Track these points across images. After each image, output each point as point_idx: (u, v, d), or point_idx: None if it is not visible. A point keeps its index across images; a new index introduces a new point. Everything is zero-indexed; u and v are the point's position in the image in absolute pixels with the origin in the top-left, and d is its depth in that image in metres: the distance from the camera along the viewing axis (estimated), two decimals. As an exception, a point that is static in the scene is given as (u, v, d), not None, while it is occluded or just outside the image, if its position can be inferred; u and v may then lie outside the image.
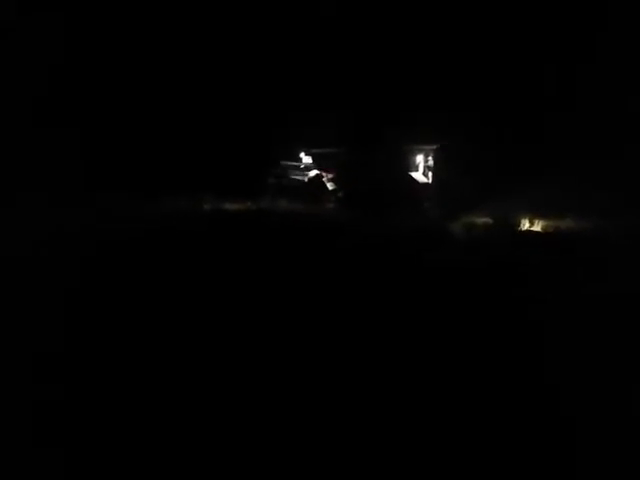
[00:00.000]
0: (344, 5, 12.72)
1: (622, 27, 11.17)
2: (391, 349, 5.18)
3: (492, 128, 11.93)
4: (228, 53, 13.42)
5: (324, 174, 13.32)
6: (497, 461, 3.59)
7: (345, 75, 12.63)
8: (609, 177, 10.64)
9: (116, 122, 13.12)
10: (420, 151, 13.11)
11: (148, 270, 7.36)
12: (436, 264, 7.79)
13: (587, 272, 7.11)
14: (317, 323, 5.73)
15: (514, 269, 7.54)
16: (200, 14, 13.56)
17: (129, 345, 5.17)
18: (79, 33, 13.26)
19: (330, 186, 13.22)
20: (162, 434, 3.80)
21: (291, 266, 7.66)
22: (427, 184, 12.87)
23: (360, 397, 4.32)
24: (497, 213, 10.84)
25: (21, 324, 5.31)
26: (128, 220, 10.34)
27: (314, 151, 13.50)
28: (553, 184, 10.69)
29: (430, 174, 12.94)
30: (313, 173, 13.39)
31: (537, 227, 10.76)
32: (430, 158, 13.02)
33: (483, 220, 10.96)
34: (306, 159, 13.60)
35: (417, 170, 13.10)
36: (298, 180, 13.38)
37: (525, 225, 10.79)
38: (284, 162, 13.46)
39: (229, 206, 12.14)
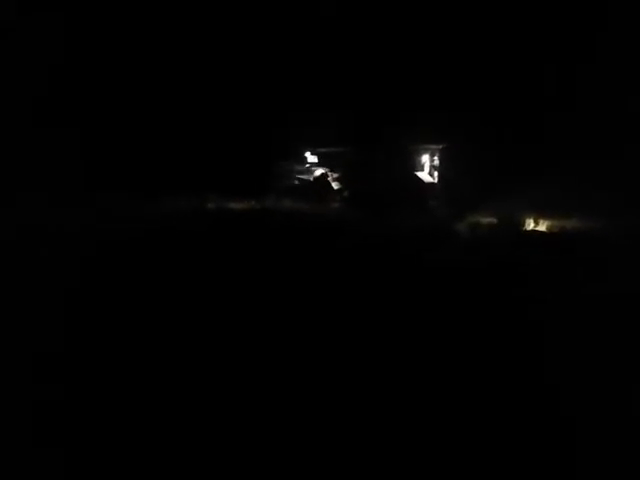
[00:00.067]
0: (348, 5, 12.72)
1: (622, 27, 11.20)
2: (391, 348, 5.14)
3: (497, 128, 11.92)
4: (233, 53, 13.39)
5: (329, 173, 13.30)
6: (497, 460, 3.56)
7: (351, 75, 12.64)
8: (612, 177, 10.65)
9: (116, 122, 13.08)
10: (426, 151, 13.10)
11: (149, 270, 7.30)
12: (440, 264, 7.74)
13: (591, 272, 7.07)
14: (320, 321, 5.68)
15: (517, 269, 7.49)
16: (203, 14, 13.54)
17: (129, 345, 5.10)
18: (79, 33, 13.23)
19: (335, 185, 13.17)
20: (162, 434, 3.73)
21: (295, 266, 7.58)
22: (433, 184, 12.85)
23: (360, 395, 4.26)
24: (502, 213, 10.81)
25: (21, 324, 5.24)
26: (128, 220, 10.27)
27: (320, 150, 13.47)
28: (558, 184, 10.67)
29: (436, 174, 12.93)
30: (318, 172, 13.35)
31: (542, 227, 10.71)
32: (436, 158, 13.02)
33: (488, 220, 10.90)
34: (311, 158, 13.56)
35: (423, 170, 13.09)
36: (303, 179, 13.34)
37: (530, 225, 10.73)
38: (289, 161, 13.44)
39: (233, 205, 12.05)
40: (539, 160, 11.37)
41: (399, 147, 12.87)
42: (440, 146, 12.90)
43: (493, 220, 10.88)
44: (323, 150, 13.43)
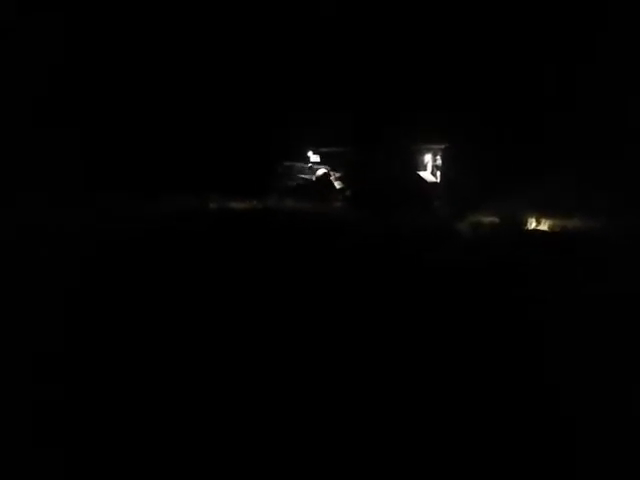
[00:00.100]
0: (353, 6, 12.73)
1: (622, 27, 11.21)
2: (392, 347, 5.11)
3: (499, 128, 11.93)
4: (235, 53, 13.37)
5: (332, 173, 13.28)
6: (497, 460, 3.51)
7: (354, 75, 12.64)
8: (613, 177, 10.67)
9: (117, 122, 13.06)
10: (428, 150, 13.11)
11: (150, 270, 7.25)
12: (442, 264, 7.71)
13: (592, 272, 7.04)
14: (321, 321, 5.65)
15: (518, 269, 7.46)
16: (205, 15, 13.53)
17: (130, 345, 5.06)
18: (79, 33, 13.22)
19: (338, 185, 13.16)
20: (162, 434, 3.69)
21: (296, 265, 7.54)
22: (435, 183, 12.84)
23: (361, 396, 4.22)
24: (504, 212, 10.79)
25: (22, 324, 5.20)
26: (128, 220, 10.23)
27: (322, 150, 13.47)
28: (559, 184, 10.69)
29: (438, 173, 12.92)
30: (321, 172, 13.33)
31: (544, 226, 10.71)
32: (438, 157, 13.02)
33: (490, 219, 10.88)
34: (314, 158, 13.54)
35: (425, 169, 13.09)
36: (306, 179, 13.32)
37: (532, 224, 10.72)
38: (292, 161, 13.42)
39: (235, 205, 12.01)
40: (541, 160, 11.39)
41: (401, 147, 12.86)
42: (442, 146, 12.89)
43: (495, 219, 10.85)
44: (325, 150, 13.43)
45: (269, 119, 12.76)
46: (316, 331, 5.43)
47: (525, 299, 6.27)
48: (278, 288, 6.70)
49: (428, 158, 13.12)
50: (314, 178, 13.28)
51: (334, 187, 13.12)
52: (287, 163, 13.42)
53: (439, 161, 12.98)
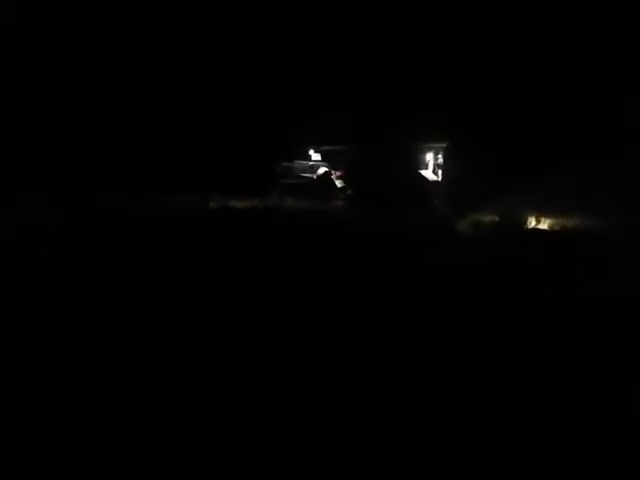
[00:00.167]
0: (356, 6, 12.72)
1: (622, 27, 11.21)
2: (392, 347, 5.08)
3: (500, 128, 11.92)
4: (236, 52, 13.36)
5: (333, 171, 13.24)
6: (497, 461, 3.45)
7: (355, 74, 12.63)
8: (613, 176, 10.66)
9: (117, 122, 13.05)
10: (430, 149, 13.07)
11: (151, 270, 7.22)
12: (442, 263, 7.69)
13: (591, 271, 7.01)
14: (321, 321, 5.62)
15: (517, 268, 7.43)
16: (207, 15, 13.52)
17: (130, 345, 5.03)
18: (79, 33, 13.21)
19: (339, 184, 13.14)
20: (162, 434, 3.67)
21: (297, 265, 7.51)
22: (437, 182, 12.80)
23: (361, 397, 4.19)
24: (505, 211, 10.76)
25: (21, 324, 5.16)
26: (129, 220, 10.20)
27: (323, 148, 13.44)
28: (560, 183, 10.69)
29: (440, 172, 12.89)
30: (322, 170, 13.29)
31: (544, 225, 10.67)
32: (440, 156, 12.98)
33: (491, 218, 10.85)
34: (315, 156, 13.50)
35: (427, 168, 13.05)
36: (307, 177, 13.29)
37: (532, 223, 10.70)
38: (293, 160, 13.39)
39: (236, 204, 11.95)
40: (541, 159, 11.38)
41: (403, 145, 12.83)
42: (444, 144, 12.86)
43: (495, 218, 10.83)
44: (327, 148, 13.39)
45: (270, 118, 12.74)
46: (318, 330, 5.41)
47: (525, 298, 6.22)
48: (278, 287, 6.67)
49: (430, 157, 13.09)
50: (315, 177, 13.25)
51: (335, 186, 13.09)
52: (288, 162, 13.38)
53: (441, 160, 12.94)
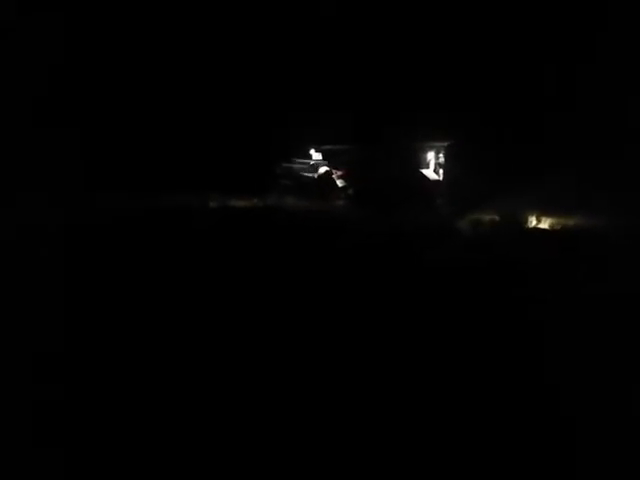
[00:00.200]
0: (358, 6, 12.72)
1: (622, 27, 11.20)
2: (394, 345, 5.08)
3: (502, 127, 11.90)
4: (238, 51, 13.34)
5: (334, 171, 13.22)
6: (497, 461, 3.46)
7: (357, 74, 12.61)
8: (614, 175, 10.65)
9: (117, 122, 13.03)
10: (431, 148, 13.02)
11: (151, 269, 7.21)
12: (442, 263, 7.68)
13: (592, 271, 6.99)
14: (323, 320, 5.61)
15: (518, 267, 7.42)
16: (207, 14, 13.51)
17: (130, 345, 5.02)
18: (79, 33, 13.20)
19: (340, 183, 13.10)
20: (162, 433, 3.66)
21: (297, 264, 7.49)
22: (438, 181, 12.76)
23: (362, 396, 4.18)
24: (506, 210, 10.74)
25: (22, 324, 5.16)
26: (129, 220, 10.19)
27: (324, 148, 13.41)
28: (561, 182, 10.66)
29: (441, 171, 12.86)
30: (323, 170, 13.27)
31: (544, 224, 10.64)
32: (441, 155, 12.94)
33: (491, 217, 10.82)
34: (316, 155, 13.48)
35: (428, 167, 13.02)
36: (307, 177, 13.26)
37: (533, 222, 10.66)
38: (294, 159, 13.36)
39: (236, 203, 11.92)
40: (542, 158, 11.36)
41: (404, 144, 12.80)
42: (445, 144, 12.82)
43: (496, 217, 10.80)
44: (328, 147, 13.35)
45: (271, 116, 12.72)
46: (319, 329, 5.40)
47: (525, 298, 6.20)
48: (280, 287, 6.66)
49: (431, 156, 13.04)
50: (316, 176, 13.23)
51: (336, 185, 13.05)
52: (288, 161, 13.35)
53: (442, 159, 12.90)
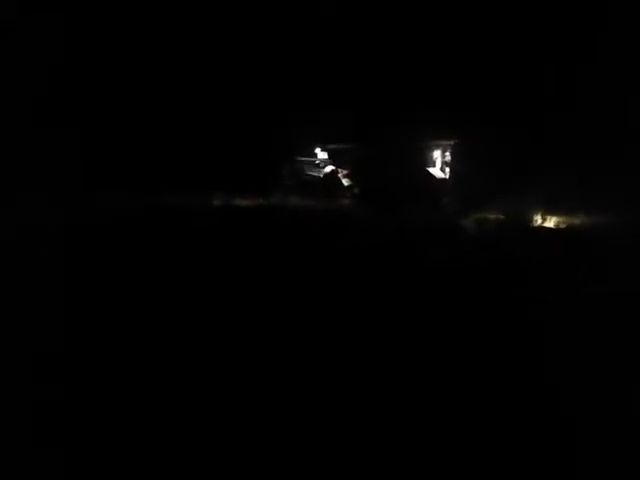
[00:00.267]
0: (357, 6, 12.70)
1: (622, 27, 11.20)
2: (398, 344, 5.05)
3: (508, 125, 11.87)
4: (242, 51, 13.32)
5: (340, 170, 13.17)
6: (497, 461, 3.45)
7: (362, 72, 12.60)
8: (620, 174, 10.62)
9: (117, 121, 12.99)
10: (438, 147, 13.00)
11: (152, 269, 7.18)
12: (447, 262, 7.67)
13: (597, 270, 6.97)
14: (328, 319, 5.58)
15: (523, 266, 7.40)
16: (208, 14, 13.48)
17: (130, 345, 4.99)
18: (79, 33, 13.17)
19: (346, 182, 13.05)
20: (162, 433, 3.62)
21: (301, 263, 7.46)
22: (444, 179, 12.74)
23: (363, 395, 4.16)
24: (512, 209, 10.72)
25: (22, 324, 5.13)
26: (129, 219, 10.16)
27: (330, 147, 13.38)
28: (567, 180, 10.63)
29: (447, 170, 12.83)
30: (328, 169, 13.23)
31: (550, 223, 10.59)
32: (448, 154, 12.92)
33: (498, 215, 10.78)
34: (322, 155, 13.48)
35: (435, 166, 12.99)
36: (313, 176, 13.23)
37: (539, 221, 10.61)
38: (299, 158, 13.38)
39: (240, 202, 11.89)
40: (548, 157, 11.33)
41: (410, 143, 12.79)
42: (452, 142, 12.81)
43: (500, 216, 10.75)
44: (333, 146, 13.33)
45: (275, 115, 12.70)
46: (324, 328, 5.38)
47: (531, 296, 6.18)
48: (285, 285, 6.63)
49: (437, 154, 13.02)
50: (322, 175, 13.19)
51: (342, 184, 13.02)
52: (294, 160, 13.35)
53: (448, 157, 12.88)
